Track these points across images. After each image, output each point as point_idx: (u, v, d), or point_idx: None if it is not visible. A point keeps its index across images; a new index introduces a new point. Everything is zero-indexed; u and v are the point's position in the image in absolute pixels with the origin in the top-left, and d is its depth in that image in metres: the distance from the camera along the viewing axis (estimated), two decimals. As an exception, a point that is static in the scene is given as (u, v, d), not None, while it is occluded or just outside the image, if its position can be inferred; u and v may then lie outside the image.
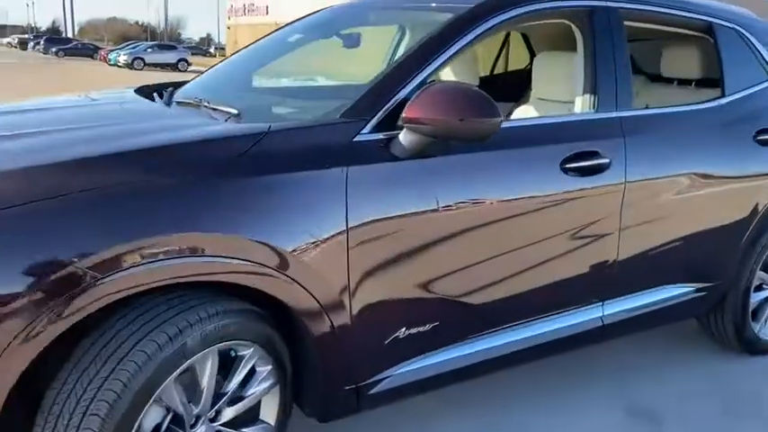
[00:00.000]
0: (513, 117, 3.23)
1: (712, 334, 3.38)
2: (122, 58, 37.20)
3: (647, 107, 2.94)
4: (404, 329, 2.19)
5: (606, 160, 2.50)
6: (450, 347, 2.34)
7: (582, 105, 2.63)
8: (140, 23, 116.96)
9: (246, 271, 1.82)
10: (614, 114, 2.59)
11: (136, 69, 34.92)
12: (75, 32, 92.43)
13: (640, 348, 3.37)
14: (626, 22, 2.73)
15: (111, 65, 37.38)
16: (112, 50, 41.96)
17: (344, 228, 1.96)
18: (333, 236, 1.94)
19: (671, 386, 3.05)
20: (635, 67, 4.00)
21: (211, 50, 66.21)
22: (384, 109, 2.10)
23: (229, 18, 32.54)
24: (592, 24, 2.62)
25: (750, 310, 3.25)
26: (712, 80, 3.16)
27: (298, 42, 3.18)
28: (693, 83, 3.38)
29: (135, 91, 2.90)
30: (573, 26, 2.67)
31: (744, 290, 3.18)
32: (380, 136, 2.08)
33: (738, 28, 3.10)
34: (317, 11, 3.19)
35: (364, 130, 2.06)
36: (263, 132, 1.95)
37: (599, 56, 2.61)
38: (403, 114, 2.03)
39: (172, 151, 1.86)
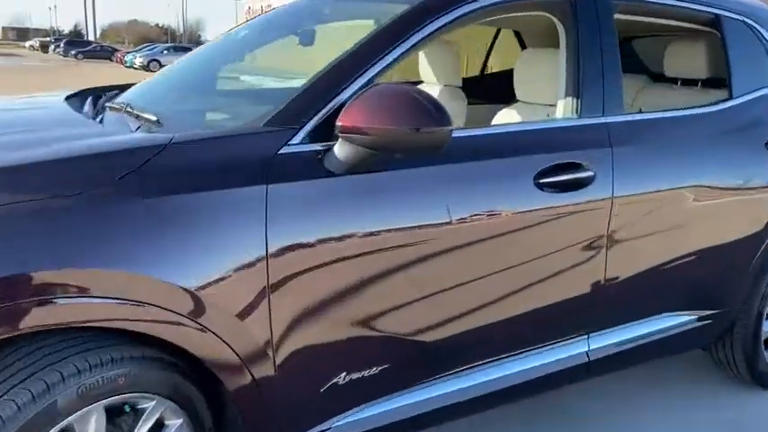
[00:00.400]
0: (493, 123, 2.89)
1: (719, 362, 3.01)
2: (138, 60, 37.21)
3: (640, 111, 2.57)
4: (344, 375, 1.87)
5: (590, 173, 2.16)
6: (403, 392, 2.01)
7: (564, 110, 2.29)
8: (160, 26, 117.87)
9: (137, 318, 1.51)
10: (600, 120, 2.25)
11: (151, 71, 34.83)
12: (97, 35, 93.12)
13: (630, 381, 2.99)
14: (617, 15, 2.38)
15: (127, 67, 37.39)
16: (129, 53, 42.03)
17: (263, 257, 1.64)
18: (249, 268, 1.63)
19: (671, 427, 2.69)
20: (638, 66, 3.66)
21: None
22: (320, 115, 1.79)
23: (247, 20, 32.43)
24: (575, 17, 2.28)
25: (763, 339, 2.88)
26: (720, 80, 2.79)
27: (255, 41, 2.88)
28: (699, 83, 3.02)
29: (71, 95, 2.61)
30: (554, 19, 2.33)
31: (755, 317, 2.81)
32: (317, 147, 1.77)
33: (748, 20, 2.72)
34: (275, 7, 2.88)
35: (293, 141, 1.75)
36: (162, 145, 1.63)
37: (583, 53, 2.27)
38: (337, 122, 1.72)
39: (46, 168, 1.55)
